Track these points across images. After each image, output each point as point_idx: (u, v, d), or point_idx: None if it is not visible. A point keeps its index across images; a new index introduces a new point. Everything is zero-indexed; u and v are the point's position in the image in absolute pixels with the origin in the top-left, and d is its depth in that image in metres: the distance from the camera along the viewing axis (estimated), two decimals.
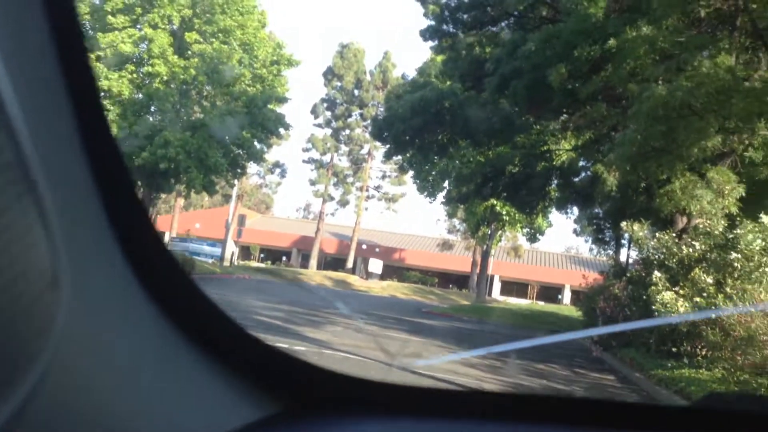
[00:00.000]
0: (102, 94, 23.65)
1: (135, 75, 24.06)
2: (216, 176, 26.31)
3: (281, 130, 27.35)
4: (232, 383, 0.72)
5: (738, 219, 11.61)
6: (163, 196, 35.20)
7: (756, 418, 0.88)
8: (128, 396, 0.58)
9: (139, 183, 26.21)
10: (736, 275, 10.63)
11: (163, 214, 56.43)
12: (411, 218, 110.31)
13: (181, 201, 48.69)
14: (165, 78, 23.87)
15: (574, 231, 50.62)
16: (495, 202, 29.06)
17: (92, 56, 23.31)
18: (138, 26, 24.18)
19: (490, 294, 44.85)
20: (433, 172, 29.44)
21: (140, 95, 24.24)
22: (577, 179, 23.55)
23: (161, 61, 23.52)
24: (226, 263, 36.86)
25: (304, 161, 64.01)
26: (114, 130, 20.05)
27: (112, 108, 23.18)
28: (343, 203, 54.87)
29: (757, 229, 10.93)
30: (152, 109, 24.35)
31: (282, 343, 8.60)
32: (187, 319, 0.67)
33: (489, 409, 0.86)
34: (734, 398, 0.97)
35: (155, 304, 0.63)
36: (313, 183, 54.11)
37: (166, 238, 48.23)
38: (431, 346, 11.33)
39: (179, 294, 0.68)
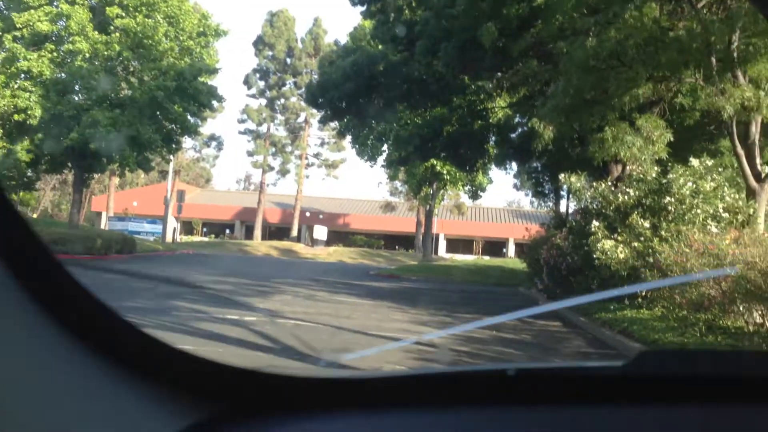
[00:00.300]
0: (22, 75, 22.76)
1: (55, 54, 23.10)
2: (150, 153, 25.68)
3: (214, 103, 26.79)
4: (150, 394, 0.68)
5: (670, 164, 11.99)
6: (96, 176, 34.18)
7: (687, 378, 0.88)
8: (37, 422, 0.55)
9: (70, 165, 25.41)
10: (670, 218, 11.01)
11: (98, 195, 54.94)
12: (353, 183, 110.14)
13: (115, 180, 47.46)
14: (87, 55, 23.00)
15: (515, 186, 51.58)
16: (435, 162, 29.24)
17: (9, 36, 22.29)
18: (54, 3, 23.16)
19: (436, 252, 45.35)
20: (372, 136, 29.40)
21: (62, 75, 23.32)
22: (513, 135, 23.86)
23: (81, 38, 22.62)
24: (169, 240, 36.23)
25: (240, 132, 63.23)
26: (38, 111, 19.20)
27: (34, 89, 22.27)
28: (284, 172, 54.41)
29: (687, 172, 11.32)
30: (77, 88, 23.48)
31: (232, 315, 8.56)
32: (87, 330, 0.62)
33: (430, 395, 0.83)
34: (666, 356, 0.97)
35: (47, 314, 0.59)
36: (251, 154, 53.45)
37: (103, 219, 47.09)
38: (382, 307, 11.44)
39: (76, 306, 0.64)
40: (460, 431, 0.78)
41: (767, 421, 0.82)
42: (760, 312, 7.81)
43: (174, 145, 26.60)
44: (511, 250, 50.26)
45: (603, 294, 8.52)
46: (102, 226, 42.27)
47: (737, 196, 11.28)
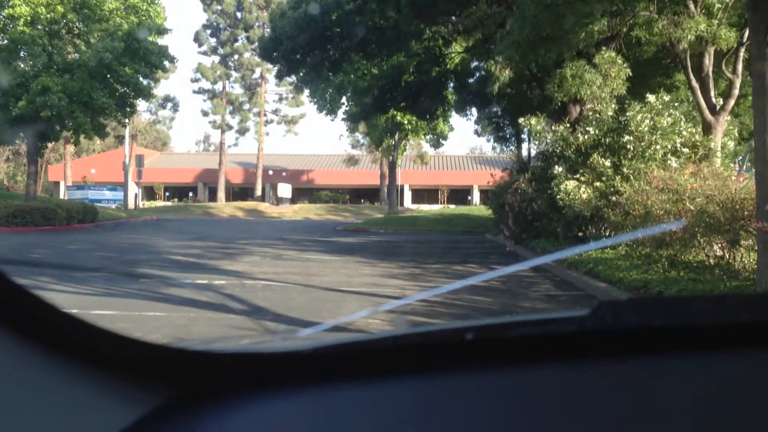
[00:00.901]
0: None
1: None
2: (104, 118, 25.05)
3: (166, 63, 26.09)
4: (96, 383, 0.65)
5: (627, 102, 12.07)
6: (51, 144, 33.31)
7: (646, 330, 0.88)
8: None
9: (22, 134, 24.71)
10: (630, 156, 11.14)
11: (54, 164, 53.70)
12: (314, 138, 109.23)
13: (71, 148, 46.32)
14: (29, 19, 22.15)
15: (476, 132, 51.67)
16: (395, 113, 29.08)
17: None
18: None
19: (401, 204, 45.51)
20: (330, 89, 29.02)
21: (4, 41, 22.48)
22: (471, 80, 23.78)
23: (21, 2, 21.77)
24: (131, 206, 35.70)
25: (195, 92, 61.75)
26: None
27: None
28: (243, 131, 53.61)
29: (644, 109, 11.42)
30: (21, 54, 22.66)
31: (201, 280, 8.51)
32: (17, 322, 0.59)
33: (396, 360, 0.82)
34: (624, 306, 0.96)
35: None
36: (207, 114, 52.45)
37: (62, 188, 46.15)
38: (351, 263, 11.47)
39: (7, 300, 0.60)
40: (419, 399, 0.77)
41: (724, 369, 0.84)
42: (720, 245, 7.99)
43: (128, 109, 25.93)
44: (476, 197, 50.62)
45: (589, 246, 8.60)
46: (61, 196, 41.44)
47: (694, 131, 11.43)
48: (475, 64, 23.36)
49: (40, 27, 22.55)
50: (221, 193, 49.29)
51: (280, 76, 24.87)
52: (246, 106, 52.77)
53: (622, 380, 0.82)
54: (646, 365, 0.85)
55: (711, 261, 7.95)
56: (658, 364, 0.85)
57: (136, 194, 39.55)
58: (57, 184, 49.79)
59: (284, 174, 53.00)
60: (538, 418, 0.73)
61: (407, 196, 52.07)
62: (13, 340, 0.56)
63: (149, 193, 52.17)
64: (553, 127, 12.90)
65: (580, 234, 11.77)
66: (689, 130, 11.41)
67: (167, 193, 53.50)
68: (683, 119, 11.57)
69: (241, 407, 0.73)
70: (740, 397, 0.77)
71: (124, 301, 6.92)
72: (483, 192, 45.43)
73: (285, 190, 48.65)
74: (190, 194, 54.24)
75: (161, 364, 0.72)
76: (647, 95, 11.66)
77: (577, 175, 11.54)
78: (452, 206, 44.89)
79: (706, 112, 11.76)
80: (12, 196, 28.29)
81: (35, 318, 0.59)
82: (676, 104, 11.97)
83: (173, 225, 24.15)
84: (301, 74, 24.50)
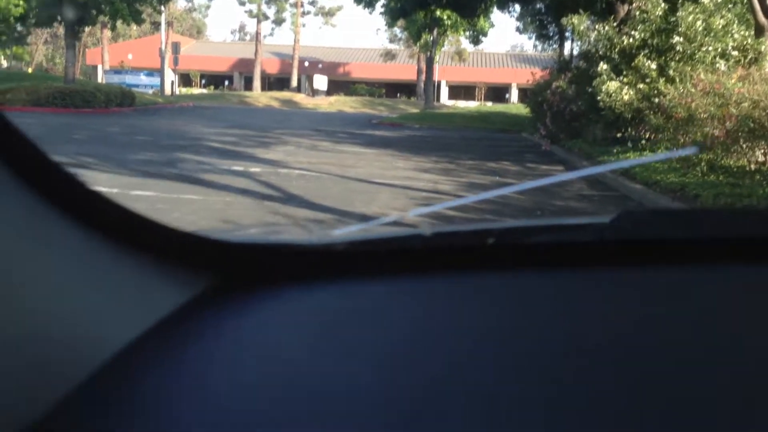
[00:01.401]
0: None
1: None
2: (140, 4, 24.75)
3: None
4: (151, 270, 0.68)
5: (680, 1, 11.53)
6: (88, 29, 33.16)
7: (666, 241, 0.89)
8: (56, 310, 0.56)
9: (59, 17, 24.58)
10: (678, 58, 10.78)
11: (92, 48, 53.64)
12: (350, 31, 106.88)
13: (107, 33, 46.06)
14: None
15: (517, 29, 49.99)
16: (435, 8, 28.21)
17: None
18: None
19: (438, 100, 44.86)
20: None
21: None
22: None
23: None
24: (168, 93, 35.78)
25: None
26: None
27: None
28: (279, 21, 52.66)
29: (697, 9, 10.93)
30: None
31: (237, 167, 8.63)
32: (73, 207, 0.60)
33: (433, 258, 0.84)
34: (646, 216, 0.96)
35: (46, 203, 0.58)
36: (243, 3, 51.40)
37: (99, 72, 46.27)
38: (385, 156, 11.50)
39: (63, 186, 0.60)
40: (443, 297, 0.80)
41: (745, 280, 0.85)
42: (762, 150, 7.83)
43: None
44: (514, 95, 49.64)
45: (639, 160, 8.46)
46: (99, 80, 41.59)
47: (746, 33, 10.97)
48: None
49: None
50: (257, 83, 48.99)
51: None
52: None
53: (639, 289, 0.83)
54: (664, 276, 0.86)
55: (752, 166, 7.82)
56: (676, 276, 0.86)
57: (172, 81, 39.50)
58: (95, 68, 49.86)
59: (320, 66, 52.32)
60: (552, 320, 0.75)
61: (444, 92, 51.25)
62: (59, 218, 0.58)
63: (185, 80, 52.05)
64: (597, 27, 12.46)
65: (618, 136, 11.58)
66: (741, 32, 10.94)
67: (203, 81, 53.34)
68: (736, 21, 11.08)
69: (275, 296, 0.76)
70: (760, 311, 0.77)
71: (163, 183, 7.08)
72: (521, 90, 44.49)
73: (321, 81, 48.15)
74: (226, 83, 54.04)
75: (199, 253, 0.74)
76: None
77: (620, 77, 11.23)
78: (489, 104, 44.20)
79: (760, 15, 11.20)
80: (51, 78, 28.49)
81: (80, 200, 0.60)
82: (729, 5, 11.45)
83: (209, 112, 24.24)
84: None
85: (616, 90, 10.89)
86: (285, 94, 44.19)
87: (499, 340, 0.70)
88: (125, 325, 0.62)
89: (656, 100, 9.75)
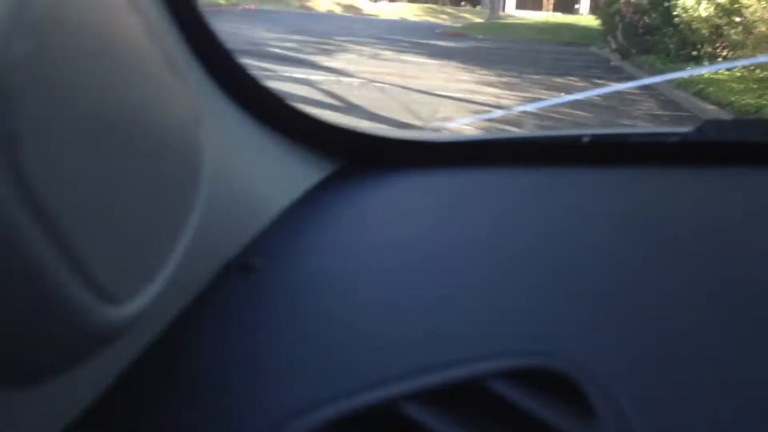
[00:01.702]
0: None
1: None
2: None
3: None
4: (298, 154, 0.81)
5: None
6: None
7: (750, 145, 0.95)
8: (245, 191, 0.69)
9: None
10: None
11: None
12: None
13: None
14: None
15: None
16: None
17: None
18: None
19: (503, 9, 43.33)
20: None
21: None
22: None
23: None
24: None
25: None
26: None
27: None
28: None
29: None
30: None
31: (299, 74, 8.61)
32: (262, 112, 0.75)
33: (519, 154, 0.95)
34: (729, 125, 1.00)
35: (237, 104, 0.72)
36: None
37: None
38: (448, 67, 11.28)
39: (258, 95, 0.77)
40: (537, 186, 0.90)
41: None
42: None
43: None
44: (584, 6, 47.49)
45: (710, 67, 8.11)
46: None
47: None
48: None
49: None
50: None
51: None
52: None
53: (723, 189, 0.90)
54: (748, 177, 0.91)
55: None
56: (760, 177, 0.92)
57: None
58: None
59: None
60: (642, 214, 0.81)
61: (510, 1, 49.42)
62: (231, 103, 0.70)
63: None
64: None
65: (694, 53, 11.05)
66: None
67: None
68: None
69: (397, 179, 0.88)
70: None
71: None
72: (593, 2, 42.54)
73: None
74: None
75: (331, 139, 0.86)
76: None
77: None
78: (558, 14, 42.49)
79: None
80: None
81: (247, 90, 0.74)
82: None
83: (272, 16, 23.99)
84: None
85: (693, 4, 10.32)
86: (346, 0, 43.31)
87: (593, 226, 0.77)
88: (280, 194, 0.76)
89: (736, 17, 9.22)
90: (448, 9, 45.02)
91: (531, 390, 0.47)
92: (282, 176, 0.79)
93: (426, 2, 47.23)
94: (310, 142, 0.82)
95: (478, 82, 9.34)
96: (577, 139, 0.95)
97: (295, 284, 0.63)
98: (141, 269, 0.35)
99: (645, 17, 12.98)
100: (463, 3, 50.02)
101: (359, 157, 0.89)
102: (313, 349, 0.53)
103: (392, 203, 0.83)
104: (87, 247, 0.29)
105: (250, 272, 0.62)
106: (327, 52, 12.09)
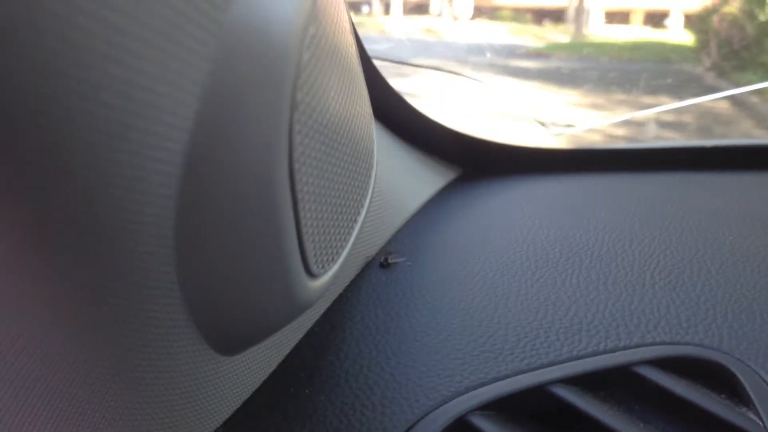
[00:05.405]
0: None
1: None
2: None
3: None
4: (426, 162, 0.89)
5: None
6: None
7: None
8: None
9: None
10: None
11: None
12: None
13: None
14: None
15: None
16: None
17: None
18: None
19: (588, 27, 42.65)
20: None
21: None
22: None
23: None
24: None
25: None
26: None
27: None
28: None
29: None
30: None
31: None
32: (398, 125, 0.83)
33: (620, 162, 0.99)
34: None
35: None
36: None
37: None
38: (530, 89, 10.91)
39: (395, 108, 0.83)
40: (661, 187, 0.90)
41: None
42: None
43: None
44: (675, 22, 46.25)
45: None
46: None
47: None
48: None
49: None
50: (397, 8, 48.49)
51: None
52: None
53: None
54: None
55: None
56: None
57: None
58: None
59: None
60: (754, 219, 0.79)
61: (595, 18, 48.57)
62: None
63: None
64: None
65: None
66: None
67: None
68: None
69: (514, 184, 0.93)
70: None
71: None
72: (685, 17, 41.33)
73: (463, 7, 46.96)
74: (365, 8, 54.03)
75: (452, 147, 0.94)
76: None
77: None
78: (647, 30, 41.41)
79: None
80: None
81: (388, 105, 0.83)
82: None
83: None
84: None
85: None
86: (424, 20, 43.59)
87: (724, 224, 0.75)
88: (412, 199, 0.82)
89: None
90: (531, 27, 44.57)
91: (682, 376, 0.48)
92: (412, 182, 0.84)
93: (507, 21, 46.98)
94: (436, 151, 0.90)
95: (561, 103, 8.94)
96: (698, 148, 0.99)
97: (433, 280, 0.65)
98: (332, 250, 0.38)
99: (742, 30, 12.31)
100: (544, 21, 49.48)
101: (480, 163, 0.97)
102: (459, 340, 0.54)
103: (516, 205, 0.86)
104: (307, 221, 0.32)
105: (389, 268, 0.67)
106: (402, 75, 11.93)
